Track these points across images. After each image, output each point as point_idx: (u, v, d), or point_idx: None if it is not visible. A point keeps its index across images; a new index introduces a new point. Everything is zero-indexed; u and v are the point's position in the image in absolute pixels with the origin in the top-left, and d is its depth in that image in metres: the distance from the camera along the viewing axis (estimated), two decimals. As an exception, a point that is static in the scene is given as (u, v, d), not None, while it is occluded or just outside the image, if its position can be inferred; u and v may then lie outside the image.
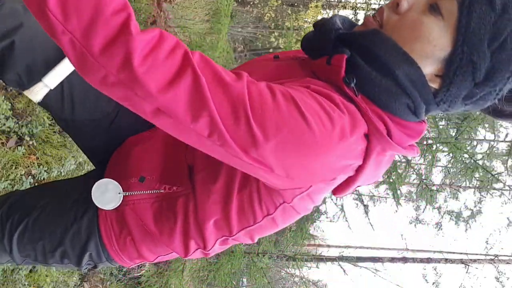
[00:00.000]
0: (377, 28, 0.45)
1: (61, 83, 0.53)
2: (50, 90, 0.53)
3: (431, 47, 0.43)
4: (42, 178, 1.37)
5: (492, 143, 2.42)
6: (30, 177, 1.32)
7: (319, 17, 0.51)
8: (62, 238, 0.56)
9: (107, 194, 0.54)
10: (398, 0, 0.44)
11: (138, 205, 0.54)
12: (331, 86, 0.44)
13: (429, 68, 0.44)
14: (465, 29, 0.41)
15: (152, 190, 0.53)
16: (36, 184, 1.34)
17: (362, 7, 7.75)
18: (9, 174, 1.24)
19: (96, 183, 0.54)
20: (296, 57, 0.53)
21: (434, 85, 0.45)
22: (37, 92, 0.43)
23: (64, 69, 0.44)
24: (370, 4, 7.65)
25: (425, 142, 2.11)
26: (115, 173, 0.57)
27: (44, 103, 0.56)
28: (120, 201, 0.54)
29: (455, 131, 2.15)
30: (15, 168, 1.26)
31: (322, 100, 0.41)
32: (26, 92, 0.42)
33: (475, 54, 0.41)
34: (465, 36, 0.41)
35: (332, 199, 2.54)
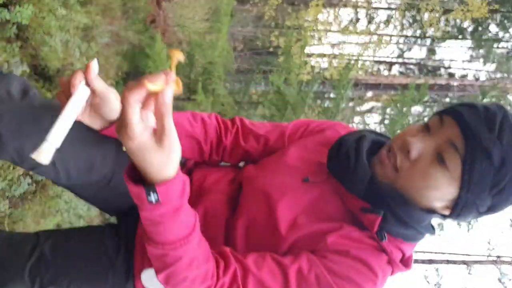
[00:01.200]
0: (399, 190, 0.53)
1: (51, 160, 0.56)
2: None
3: (440, 194, 0.51)
4: (40, 179, 1.36)
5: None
6: (28, 177, 1.32)
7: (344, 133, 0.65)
8: None
9: (155, 280, 0.56)
10: (409, 148, 0.52)
11: None
12: (363, 230, 0.55)
13: (439, 204, 0.53)
14: (468, 181, 0.49)
15: None
16: (34, 185, 1.34)
17: (363, 6, 7.71)
18: (7, 175, 1.24)
19: (143, 274, 0.60)
20: (326, 181, 0.59)
21: (445, 212, 0.54)
22: (45, 154, 0.44)
23: (64, 123, 0.44)
24: (371, 2, 7.62)
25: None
26: (146, 259, 0.60)
27: (41, 172, 0.59)
28: None
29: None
30: (13, 168, 1.26)
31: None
32: (33, 156, 0.43)
33: (477, 199, 0.49)
34: (468, 187, 0.49)
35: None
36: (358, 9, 7.73)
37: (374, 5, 7.70)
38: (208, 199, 0.64)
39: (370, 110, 8.52)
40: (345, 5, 7.50)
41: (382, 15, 8.05)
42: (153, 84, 0.35)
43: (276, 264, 0.52)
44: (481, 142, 0.47)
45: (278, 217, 0.56)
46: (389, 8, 7.94)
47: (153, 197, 0.40)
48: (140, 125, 0.36)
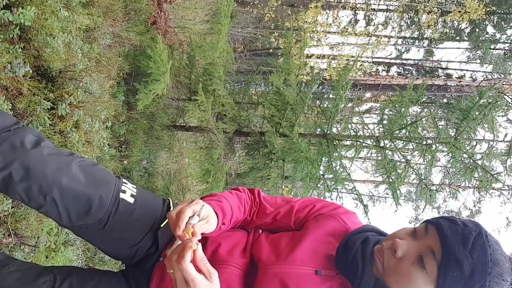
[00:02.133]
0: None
1: (54, 200, 0.68)
2: (49, 204, 0.68)
3: None
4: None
5: (491, 143, 2.43)
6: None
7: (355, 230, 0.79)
8: None
9: None
10: (395, 248, 0.63)
11: None
12: None
13: None
14: (442, 286, 0.58)
15: None
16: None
17: (362, 8, 7.75)
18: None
19: None
20: (336, 276, 0.68)
21: None
22: None
23: None
24: (370, 4, 7.66)
25: (424, 142, 2.12)
26: None
27: (46, 212, 0.70)
28: None
29: (454, 131, 2.15)
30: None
31: None
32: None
33: None
34: None
35: (331, 199, 2.55)
36: (357, 11, 7.76)
37: (372, 7, 7.74)
38: (225, 272, 0.70)
39: (368, 111, 8.55)
40: (343, 7, 7.53)
41: (380, 17, 8.10)
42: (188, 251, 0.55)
43: None
44: (454, 254, 0.58)
45: None
46: (387, 10, 7.99)
47: None
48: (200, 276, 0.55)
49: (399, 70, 8.70)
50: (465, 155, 2.18)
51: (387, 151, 2.16)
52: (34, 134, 0.70)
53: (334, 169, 2.23)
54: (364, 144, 2.22)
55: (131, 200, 0.76)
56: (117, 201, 0.73)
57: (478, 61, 8.58)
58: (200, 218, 0.60)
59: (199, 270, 0.55)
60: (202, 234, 0.62)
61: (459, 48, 8.71)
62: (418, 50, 8.84)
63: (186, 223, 0.57)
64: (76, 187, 0.68)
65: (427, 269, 0.59)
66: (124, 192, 0.75)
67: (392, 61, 8.68)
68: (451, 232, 0.60)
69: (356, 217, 0.81)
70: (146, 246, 0.77)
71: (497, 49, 8.33)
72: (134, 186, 0.79)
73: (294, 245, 0.71)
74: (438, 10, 7.16)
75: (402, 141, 2.13)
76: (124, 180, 0.79)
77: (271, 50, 6.89)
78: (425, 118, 2.19)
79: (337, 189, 2.27)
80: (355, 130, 2.25)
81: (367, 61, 7.51)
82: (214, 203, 0.68)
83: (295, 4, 7.20)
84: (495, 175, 2.18)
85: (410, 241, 0.64)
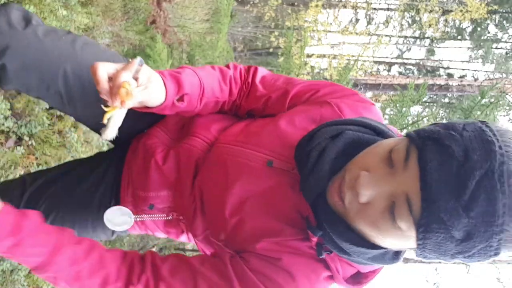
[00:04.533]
0: (348, 223, 0.45)
1: (58, 92, 0.58)
2: (52, 95, 0.58)
3: (387, 243, 0.43)
4: (41, 178, 1.36)
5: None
6: (29, 177, 1.32)
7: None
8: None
9: (120, 218, 0.59)
10: (357, 189, 0.42)
11: (148, 223, 0.65)
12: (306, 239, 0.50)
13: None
14: (423, 247, 0.39)
15: (161, 216, 0.61)
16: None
17: (363, 7, 7.73)
18: (8, 174, 1.24)
19: (108, 210, 0.59)
20: (290, 172, 0.52)
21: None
22: (111, 135, 0.48)
23: (115, 121, 0.47)
24: (371, 3, 7.63)
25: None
26: (130, 186, 0.64)
27: (47, 100, 0.60)
28: (132, 225, 0.60)
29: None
30: (14, 168, 1.26)
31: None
32: (103, 138, 0.48)
33: (441, 256, 0.40)
34: (423, 251, 0.40)
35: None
36: (358, 10, 7.74)
37: (373, 6, 7.71)
38: (189, 142, 0.60)
39: (369, 111, 8.50)
40: (344, 6, 7.51)
41: (381, 16, 8.08)
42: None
43: (191, 272, 0.50)
44: (439, 213, 0.36)
45: (228, 195, 0.52)
46: (388, 9, 7.96)
47: None
48: None
49: (400, 70, 8.67)
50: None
51: (388, 151, 2.15)
52: (18, 9, 0.55)
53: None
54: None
55: None
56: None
57: (480, 60, 8.54)
58: (138, 84, 0.46)
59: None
60: (143, 107, 0.50)
61: (461, 47, 8.69)
62: (420, 50, 8.82)
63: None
64: (83, 73, 0.55)
65: (400, 226, 0.39)
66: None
67: (393, 60, 8.65)
68: (440, 173, 0.36)
69: (371, 109, 0.56)
70: (144, 127, 0.68)
71: (499, 48, 8.30)
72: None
73: (262, 127, 0.56)
74: (439, 9, 7.13)
75: (403, 141, 2.12)
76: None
77: (271, 50, 6.87)
78: (427, 117, 2.18)
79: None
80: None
81: (368, 60, 7.49)
82: (167, 72, 0.52)
83: (296, 3, 7.18)
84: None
85: (382, 175, 0.41)
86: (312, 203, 0.48)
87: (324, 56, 6.93)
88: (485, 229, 0.36)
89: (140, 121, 0.66)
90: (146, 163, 0.62)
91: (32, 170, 1.34)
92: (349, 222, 0.45)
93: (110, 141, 0.63)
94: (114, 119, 0.47)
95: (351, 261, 0.49)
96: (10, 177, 1.25)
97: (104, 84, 0.44)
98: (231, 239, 0.53)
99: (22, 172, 1.29)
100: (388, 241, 0.43)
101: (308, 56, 6.62)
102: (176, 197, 0.60)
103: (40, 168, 1.36)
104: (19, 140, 1.31)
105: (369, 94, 8.12)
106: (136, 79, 0.46)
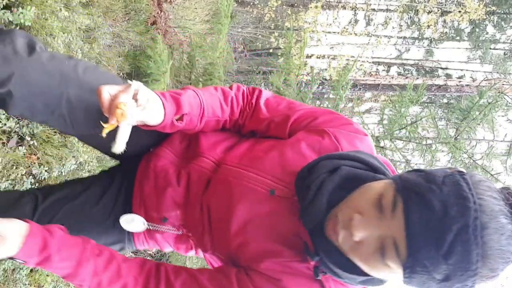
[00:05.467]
0: (343, 252, 0.51)
1: (62, 115, 0.60)
2: (56, 118, 0.61)
3: (383, 275, 0.49)
4: (43, 178, 1.37)
5: (491, 143, 2.43)
6: (31, 177, 1.33)
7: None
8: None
9: (133, 223, 0.63)
10: (351, 230, 0.48)
11: (159, 239, 0.69)
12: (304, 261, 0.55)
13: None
14: (409, 282, 0.45)
15: (172, 229, 0.65)
16: (37, 185, 1.35)
17: (362, 8, 7.75)
18: (10, 174, 1.25)
19: (123, 217, 0.63)
20: (290, 198, 0.57)
21: None
22: (120, 149, 0.53)
23: (122, 136, 0.52)
24: (370, 4, 7.66)
25: (424, 142, 2.12)
26: (143, 206, 0.68)
27: (52, 124, 0.64)
28: (145, 228, 0.64)
29: (454, 131, 2.15)
30: (16, 168, 1.27)
31: None
32: (113, 150, 0.52)
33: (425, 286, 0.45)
34: (410, 283, 0.46)
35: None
36: (357, 11, 7.76)
37: (372, 7, 7.74)
38: (199, 163, 0.64)
39: (368, 110, 8.55)
40: (343, 7, 7.54)
41: (380, 17, 8.10)
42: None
43: None
44: (422, 260, 0.42)
45: (233, 216, 0.57)
46: (387, 10, 7.99)
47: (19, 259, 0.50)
48: None
49: (399, 70, 8.70)
50: (465, 155, 2.18)
51: (387, 151, 2.16)
52: (22, 36, 0.58)
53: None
54: (364, 144, 2.21)
55: None
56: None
57: (478, 61, 8.57)
58: (137, 104, 0.51)
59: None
60: (143, 125, 0.55)
61: (459, 48, 8.72)
62: (418, 50, 8.84)
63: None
64: (86, 96, 0.59)
65: (389, 265, 0.46)
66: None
67: (392, 61, 8.68)
68: (422, 225, 0.42)
69: (364, 140, 0.62)
70: (150, 143, 0.72)
71: (497, 49, 8.33)
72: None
73: (265, 152, 0.61)
74: (438, 10, 7.16)
75: (402, 141, 2.14)
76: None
77: (271, 50, 6.89)
78: (425, 118, 2.19)
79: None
80: (355, 130, 2.24)
81: (367, 61, 7.51)
82: (168, 93, 0.57)
83: (295, 4, 7.20)
84: (495, 175, 2.18)
85: (372, 219, 0.46)
86: (310, 231, 0.54)
87: (323, 56, 6.95)
88: (461, 273, 0.42)
89: (146, 136, 0.68)
90: (158, 185, 0.66)
91: (34, 170, 1.34)
92: (344, 253, 0.51)
93: (119, 155, 0.68)
94: (121, 134, 0.51)
95: (344, 282, 0.54)
96: (12, 177, 1.25)
97: (106, 104, 0.50)
98: (236, 256, 0.58)
99: (24, 172, 1.30)
100: (379, 275, 0.49)
101: (308, 56, 6.64)
102: (186, 215, 0.64)
103: (42, 168, 1.37)
104: (21, 140, 1.32)
105: (368, 94, 8.15)
106: (136, 100, 0.52)
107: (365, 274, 0.51)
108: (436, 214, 0.42)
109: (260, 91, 0.69)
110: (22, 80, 0.54)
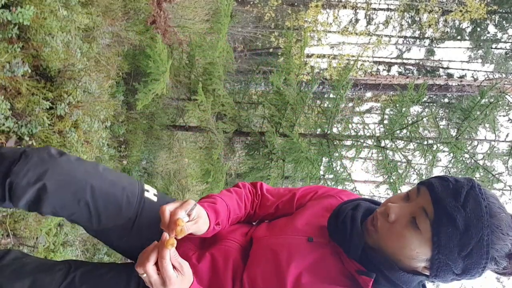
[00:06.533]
0: (383, 251, 0.63)
1: (87, 203, 0.70)
2: (82, 208, 0.71)
3: (414, 253, 0.59)
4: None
5: (492, 143, 2.42)
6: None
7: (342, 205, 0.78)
8: None
9: None
10: (388, 212, 0.62)
11: None
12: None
13: (418, 264, 0.61)
14: (437, 243, 0.56)
15: None
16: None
17: (362, 7, 7.74)
18: (8, 174, 1.24)
19: None
20: (328, 243, 0.68)
21: (426, 272, 0.61)
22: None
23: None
24: (370, 4, 7.64)
25: (425, 142, 2.11)
26: None
27: (76, 219, 0.73)
28: None
29: (455, 131, 2.14)
30: (15, 168, 1.26)
31: None
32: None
33: (449, 260, 0.57)
34: (438, 248, 0.57)
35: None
36: (357, 10, 7.75)
37: (373, 6, 7.72)
38: (223, 244, 0.74)
39: (369, 110, 8.53)
40: (344, 6, 7.52)
41: (381, 16, 8.08)
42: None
43: None
44: (446, 209, 0.55)
45: (286, 275, 0.64)
46: (388, 9, 7.97)
47: None
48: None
49: (400, 70, 8.68)
50: (466, 155, 2.17)
51: (388, 151, 2.15)
52: (55, 148, 0.74)
53: (335, 169, 2.22)
54: (364, 144, 2.21)
55: (155, 198, 0.80)
56: (143, 200, 0.77)
57: (480, 60, 8.55)
58: (190, 219, 0.61)
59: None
60: (191, 235, 0.63)
61: (460, 47, 8.69)
62: (419, 50, 8.82)
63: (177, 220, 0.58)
64: (106, 188, 0.71)
65: (420, 229, 0.57)
66: (147, 191, 0.80)
67: (393, 60, 8.66)
68: (442, 188, 0.57)
69: (355, 195, 0.81)
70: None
71: (498, 48, 8.31)
72: (152, 187, 0.85)
73: (289, 221, 0.74)
74: (439, 9, 7.14)
75: (403, 141, 2.13)
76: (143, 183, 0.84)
77: (271, 50, 6.88)
78: (426, 118, 2.18)
79: (337, 189, 2.25)
80: (355, 130, 2.24)
81: (368, 60, 7.50)
82: (207, 205, 0.69)
83: (296, 4, 7.19)
84: (496, 175, 2.17)
85: (403, 204, 0.62)
86: (359, 257, 0.64)
87: (324, 56, 6.94)
88: (477, 222, 0.56)
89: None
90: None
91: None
92: (382, 248, 0.62)
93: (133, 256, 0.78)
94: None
95: None
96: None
97: (167, 222, 0.58)
98: None
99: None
100: (409, 253, 0.59)
101: (308, 56, 6.63)
102: None
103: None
104: (20, 140, 1.31)
105: (368, 94, 8.13)
106: (189, 214, 0.61)
107: (409, 271, 0.61)
108: (459, 230, 0.56)
109: (261, 184, 0.86)
110: (54, 173, 0.67)
